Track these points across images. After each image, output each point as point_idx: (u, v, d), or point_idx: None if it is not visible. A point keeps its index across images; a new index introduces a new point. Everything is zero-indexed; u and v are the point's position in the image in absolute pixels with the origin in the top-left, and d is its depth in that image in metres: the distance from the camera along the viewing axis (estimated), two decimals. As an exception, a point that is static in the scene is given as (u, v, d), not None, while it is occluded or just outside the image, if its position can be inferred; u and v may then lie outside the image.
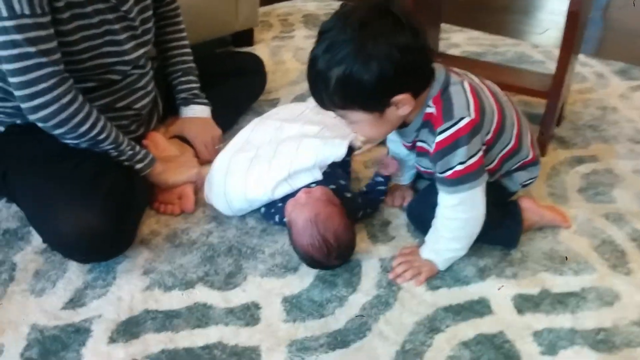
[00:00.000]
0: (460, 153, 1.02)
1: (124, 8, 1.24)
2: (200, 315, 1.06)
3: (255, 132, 1.40)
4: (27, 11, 1.04)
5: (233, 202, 1.27)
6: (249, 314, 1.07)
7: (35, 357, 0.98)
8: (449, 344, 1.01)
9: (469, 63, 1.81)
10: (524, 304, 1.09)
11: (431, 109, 1.04)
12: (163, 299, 1.10)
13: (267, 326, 1.05)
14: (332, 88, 0.97)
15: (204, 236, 1.26)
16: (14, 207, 1.30)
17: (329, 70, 0.96)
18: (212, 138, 1.49)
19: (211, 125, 1.51)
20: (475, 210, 1.09)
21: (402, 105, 1.00)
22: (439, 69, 1.05)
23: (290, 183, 1.24)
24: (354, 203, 1.27)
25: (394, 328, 1.04)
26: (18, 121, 1.22)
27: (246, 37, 2.24)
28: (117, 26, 1.24)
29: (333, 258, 1.14)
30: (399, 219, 1.32)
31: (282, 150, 1.29)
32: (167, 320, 1.05)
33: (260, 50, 2.18)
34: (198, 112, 1.51)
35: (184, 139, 1.48)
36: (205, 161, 1.45)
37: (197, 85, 1.53)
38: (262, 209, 1.29)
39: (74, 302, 1.09)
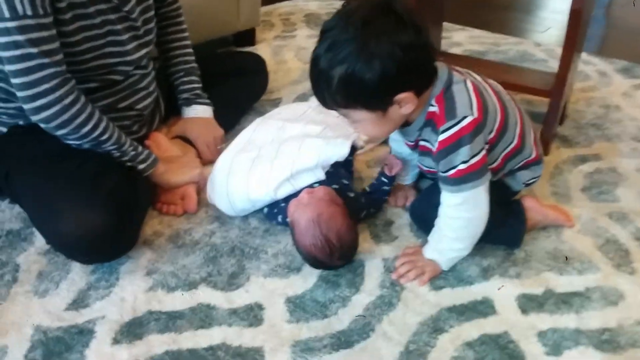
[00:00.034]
0: (463, 152, 1.02)
1: (126, 8, 1.24)
2: (203, 316, 1.06)
3: (257, 132, 1.40)
4: (29, 12, 1.04)
5: (236, 203, 1.27)
6: (252, 315, 1.07)
7: (38, 358, 0.98)
8: (453, 344, 1.01)
9: (471, 62, 1.80)
10: (528, 304, 1.09)
11: (434, 108, 1.04)
12: (166, 300, 1.10)
13: (270, 327, 1.04)
14: (334, 87, 0.96)
15: (206, 237, 1.26)
16: (17, 208, 1.30)
17: (332, 69, 0.95)
18: (214, 138, 1.49)
19: (213, 126, 1.51)
20: (478, 210, 1.09)
21: (405, 103, 1.00)
22: (441, 67, 1.05)
23: (292, 183, 1.24)
24: (357, 203, 1.26)
25: (397, 328, 1.04)
26: (20, 122, 1.22)
27: (248, 36, 2.23)
28: (119, 27, 1.24)
29: (336, 258, 1.14)
30: (401, 219, 1.31)
31: (284, 150, 1.29)
32: (170, 321, 1.05)
33: (262, 49, 2.18)
34: (200, 112, 1.51)
35: (186, 139, 1.48)
36: (208, 161, 1.45)
37: (199, 85, 1.53)
38: (265, 209, 1.29)
39: (77, 303, 1.09)
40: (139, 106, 1.35)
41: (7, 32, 1.04)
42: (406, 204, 1.34)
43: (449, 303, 1.09)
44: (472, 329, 1.04)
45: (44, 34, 1.07)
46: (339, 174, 1.29)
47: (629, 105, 1.83)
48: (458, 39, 2.33)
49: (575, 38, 1.40)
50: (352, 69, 0.94)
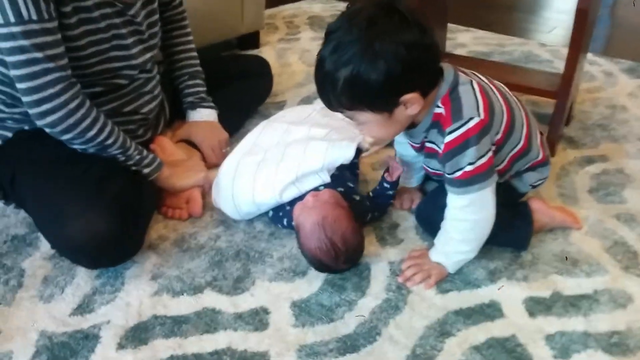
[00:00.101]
0: (470, 154, 1.01)
1: (131, 12, 1.24)
2: (208, 321, 1.06)
3: (262, 135, 1.39)
4: (34, 17, 1.04)
5: (241, 206, 1.27)
6: (257, 319, 1.06)
7: (44, 363, 0.98)
8: (460, 348, 1.00)
9: (475, 63, 1.80)
10: (536, 306, 1.08)
11: (440, 109, 1.03)
12: (171, 304, 1.09)
13: (276, 331, 1.04)
14: (339, 89, 0.96)
15: (212, 240, 1.25)
16: (22, 213, 1.30)
17: (337, 71, 0.95)
18: (219, 142, 1.49)
19: (218, 129, 1.51)
20: (485, 211, 1.08)
21: (411, 104, 0.99)
22: (447, 68, 1.04)
23: (298, 186, 1.24)
24: (362, 206, 1.26)
25: (404, 332, 1.03)
26: (26, 127, 1.22)
27: (252, 39, 2.23)
28: (124, 30, 1.24)
29: (341, 262, 1.13)
30: (407, 222, 1.31)
31: (289, 153, 1.29)
32: (175, 325, 1.05)
33: (266, 52, 2.18)
34: (205, 115, 1.51)
35: (191, 143, 1.48)
36: (213, 165, 1.44)
37: (204, 88, 1.53)
38: (270, 213, 1.29)
39: (83, 308, 1.09)
40: (144, 110, 1.35)
41: (12, 37, 1.04)
42: (412, 207, 1.34)
43: (455, 306, 1.08)
44: (479, 333, 1.03)
45: (49, 38, 1.07)
46: (345, 177, 1.29)
47: (635, 106, 1.82)
48: (462, 40, 2.33)
49: (581, 38, 1.39)
50: (357, 70, 0.94)
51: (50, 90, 1.09)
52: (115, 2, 1.20)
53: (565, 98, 1.48)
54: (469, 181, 1.04)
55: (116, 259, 1.16)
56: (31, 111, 1.11)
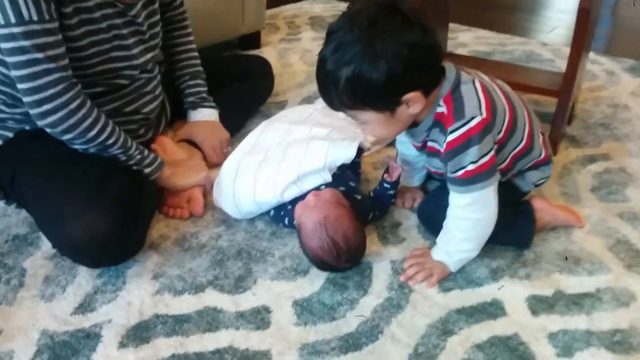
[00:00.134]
0: (472, 152, 1.01)
1: (132, 13, 1.24)
2: (210, 320, 1.06)
3: (263, 134, 1.39)
4: (35, 17, 1.04)
5: (242, 205, 1.26)
6: (259, 318, 1.06)
7: (45, 363, 0.98)
8: (463, 346, 1.00)
9: (477, 62, 1.80)
10: (538, 305, 1.08)
11: (442, 108, 1.03)
12: (173, 303, 1.09)
13: (277, 330, 1.04)
14: (341, 88, 0.96)
15: (213, 240, 1.25)
16: (24, 213, 1.30)
17: (338, 70, 0.95)
18: (220, 141, 1.48)
19: (219, 129, 1.51)
20: (487, 210, 1.08)
21: (413, 103, 0.99)
22: (449, 67, 1.04)
23: (299, 185, 1.23)
24: (364, 205, 1.25)
25: (406, 331, 1.03)
26: (27, 127, 1.22)
27: (253, 39, 2.23)
28: (125, 31, 1.24)
29: (343, 261, 1.13)
30: (409, 221, 1.31)
31: (291, 152, 1.29)
32: (177, 324, 1.05)
33: (267, 52, 2.18)
34: (206, 115, 1.50)
35: (192, 143, 1.47)
36: (214, 165, 1.44)
37: (205, 88, 1.53)
38: (271, 212, 1.28)
39: (84, 307, 1.08)
40: (145, 110, 1.35)
41: (13, 37, 1.04)
42: (414, 206, 1.34)
43: (458, 305, 1.08)
44: (482, 331, 1.03)
45: (50, 39, 1.07)
46: (346, 176, 1.29)
47: (638, 105, 1.82)
48: (464, 39, 2.33)
49: (583, 37, 1.39)
50: (359, 69, 0.93)
51: (51, 91, 1.09)
52: (117, 2, 1.20)
53: (568, 97, 1.48)
54: (471, 180, 1.04)
55: (117, 258, 1.15)
56: (32, 111, 1.11)
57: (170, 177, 1.31)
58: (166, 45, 1.48)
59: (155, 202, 1.31)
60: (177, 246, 1.24)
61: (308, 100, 1.82)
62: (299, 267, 1.18)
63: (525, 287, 1.12)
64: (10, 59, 1.06)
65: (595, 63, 2.09)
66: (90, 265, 1.16)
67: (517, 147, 1.12)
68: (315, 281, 1.14)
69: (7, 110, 1.21)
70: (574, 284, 1.13)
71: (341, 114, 1.07)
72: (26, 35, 1.04)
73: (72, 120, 1.12)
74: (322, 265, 1.14)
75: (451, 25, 2.07)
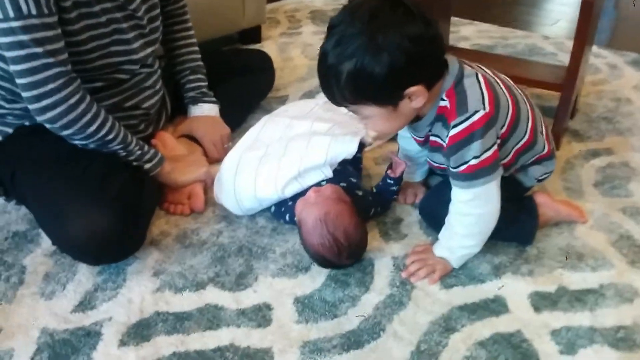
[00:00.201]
0: (475, 147, 1.00)
1: (132, 7, 1.23)
2: (211, 317, 1.05)
3: (264, 130, 1.38)
4: (33, 11, 1.03)
5: (243, 201, 1.26)
6: (260, 315, 1.05)
7: (45, 361, 0.98)
8: (465, 343, 0.99)
9: (479, 56, 1.78)
10: (541, 301, 1.07)
11: (445, 102, 1.02)
12: (174, 301, 1.09)
13: (279, 327, 1.03)
14: (343, 82, 0.95)
15: (214, 236, 1.25)
16: (23, 210, 1.29)
17: (340, 64, 0.94)
18: (221, 137, 1.48)
19: (220, 124, 1.50)
20: (489, 205, 1.07)
21: (416, 97, 0.98)
22: (452, 61, 1.03)
23: (300, 181, 1.23)
24: (365, 201, 1.25)
25: (408, 328, 1.02)
26: (26, 122, 1.22)
27: (253, 34, 2.22)
28: (124, 25, 1.23)
29: (344, 257, 1.13)
30: (411, 217, 1.30)
31: (292, 148, 1.28)
32: (178, 322, 1.04)
33: (268, 47, 2.17)
34: (206, 110, 1.50)
35: (192, 138, 1.47)
36: (214, 160, 1.44)
37: (205, 83, 1.52)
38: (272, 208, 1.28)
39: (84, 304, 1.08)
40: (145, 105, 1.34)
41: (11, 32, 1.03)
42: (415, 201, 1.33)
43: (460, 302, 1.07)
44: (484, 328, 1.02)
45: (49, 33, 1.06)
46: (347, 172, 1.28)
47: (641, 99, 1.80)
48: (466, 33, 2.31)
49: (586, 30, 1.37)
50: (361, 63, 0.93)
51: (51, 86, 1.08)
52: (116, -4, 1.19)
53: (571, 91, 1.47)
54: (473, 175, 1.03)
55: (118, 256, 1.15)
56: (31, 107, 1.10)
57: (170, 173, 1.30)
58: (166, 40, 1.47)
59: (155, 199, 1.30)
60: (178, 243, 1.23)
61: (309, 95, 1.81)
62: (300, 263, 1.17)
63: (528, 284, 1.11)
64: (9, 54, 1.05)
65: (598, 56, 2.07)
66: (91, 263, 1.15)
67: (520, 141, 1.11)
68: (316, 278, 1.13)
69: (7, 105, 1.21)
70: (577, 280, 1.12)
71: (343, 109, 1.06)
72: (25, 29, 1.03)
73: (71, 116, 1.11)
74: (323, 261, 1.13)
75: (453, 19, 2.06)
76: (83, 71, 1.17)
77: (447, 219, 1.12)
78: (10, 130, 1.23)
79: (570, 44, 1.43)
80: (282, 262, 1.18)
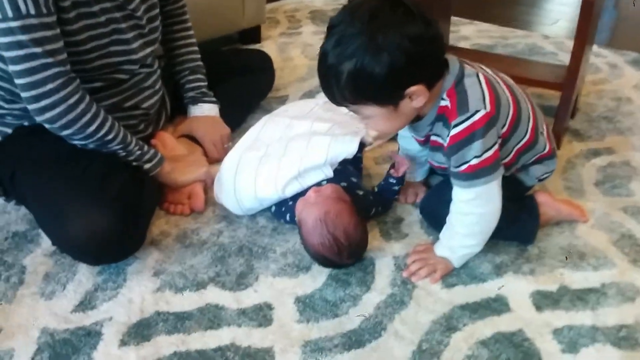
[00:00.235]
0: (476, 147, 1.00)
1: (131, 6, 1.23)
2: (212, 317, 1.05)
3: (264, 130, 1.38)
4: (32, 11, 1.03)
5: (243, 201, 1.25)
6: (261, 315, 1.05)
7: (46, 361, 0.97)
8: (467, 343, 0.99)
9: (479, 56, 1.78)
10: (543, 301, 1.07)
11: (445, 102, 1.02)
12: (174, 301, 1.08)
13: (280, 327, 1.03)
14: (343, 83, 0.95)
15: (214, 236, 1.24)
16: (23, 210, 1.29)
17: (340, 64, 0.94)
18: (221, 137, 1.47)
19: (220, 124, 1.49)
20: (490, 205, 1.07)
21: (417, 97, 0.98)
22: (452, 60, 1.03)
23: (300, 181, 1.22)
24: (366, 200, 1.24)
25: (409, 327, 1.02)
26: (25, 123, 1.21)
27: (253, 34, 2.22)
28: (124, 25, 1.22)
29: (345, 257, 1.12)
30: (412, 216, 1.29)
31: (292, 147, 1.28)
32: (178, 322, 1.04)
33: (267, 47, 2.16)
34: (206, 110, 1.49)
35: (192, 138, 1.46)
36: (214, 160, 1.43)
37: (205, 83, 1.51)
38: (273, 208, 1.27)
39: (84, 304, 1.08)
40: (145, 105, 1.34)
41: (10, 32, 1.03)
42: (416, 201, 1.33)
43: (461, 301, 1.07)
44: (486, 327, 1.02)
45: (48, 33, 1.06)
46: (348, 172, 1.28)
47: (641, 98, 1.80)
48: (466, 33, 2.31)
49: (587, 29, 1.37)
50: (361, 63, 0.92)
51: (50, 86, 1.08)
52: (115, -4, 1.19)
53: (571, 90, 1.47)
54: (474, 174, 1.03)
55: (118, 255, 1.15)
56: (30, 107, 1.10)
57: (170, 173, 1.30)
58: (166, 40, 1.47)
59: (155, 199, 1.30)
60: (178, 243, 1.23)
61: (309, 94, 1.81)
62: (301, 263, 1.17)
63: (530, 283, 1.11)
64: (7, 54, 1.05)
65: (598, 56, 2.07)
66: (91, 263, 1.15)
67: (521, 141, 1.11)
68: (317, 277, 1.13)
69: (6, 106, 1.20)
70: (579, 279, 1.12)
71: (343, 109, 1.06)
72: (24, 29, 1.03)
73: (70, 116, 1.11)
74: (323, 261, 1.13)
75: (453, 19, 2.05)
76: (82, 71, 1.17)
77: (448, 219, 1.12)
78: (9, 131, 1.23)
79: (570, 44, 1.43)
80: (283, 261, 1.17)
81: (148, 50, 1.31)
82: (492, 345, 0.98)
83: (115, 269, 1.15)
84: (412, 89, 0.96)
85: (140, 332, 1.02)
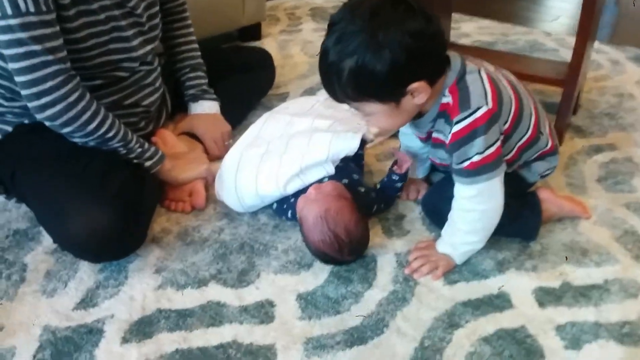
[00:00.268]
0: (478, 143, 1.00)
1: (131, 4, 1.22)
2: (213, 314, 1.04)
3: (265, 127, 1.38)
4: (32, 9, 1.03)
5: (244, 199, 1.25)
6: (263, 312, 1.05)
7: (47, 359, 0.97)
8: (469, 339, 0.99)
9: (480, 52, 1.77)
10: (545, 297, 1.07)
11: (447, 99, 1.02)
12: (176, 298, 1.08)
13: (282, 324, 1.03)
14: (345, 80, 0.94)
15: (215, 233, 1.24)
16: (24, 208, 1.29)
17: (341, 62, 0.93)
18: (222, 134, 1.47)
19: (220, 121, 1.49)
20: (493, 201, 1.06)
21: (418, 93, 0.98)
22: (454, 57, 1.02)
23: (302, 178, 1.22)
24: (368, 197, 1.24)
25: (412, 324, 1.02)
26: (26, 121, 1.21)
27: (253, 31, 2.21)
28: (123, 23, 1.22)
29: (346, 254, 1.12)
30: (413, 213, 1.29)
31: (293, 145, 1.27)
32: (180, 319, 1.04)
33: (268, 44, 2.16)
34: (207, 108, 1.49)
35: (193, 136, 1.46)
36: (215, 157, 1.43)
37: (206, 81, 1.51)
38: (274, 205, 1.27)
39: (86, 302, 1.07)
40: (145, 102, 1.34)
41: (10, 29, 1.03)
42: (418, 198, 1.32)
43: (464, 297, 1.07)
44: (488, 324, 1.02)
45: (48, 30, 1.06)
46: (349, 169, 1.27)
47: (643, 94, 1.80)
48: (466, 29, 2.30)
49: (589, 26, 1.37)
50: (362, 60, 0.92)
51: (50, 83, 1.07)
52: (115, -7, 1.19)
53: (573, 86, 1.46)
54: (477, 171, 1.02)
55: (119, 253, 1.15)
56: (30, 104, 1.10)
57: (171, 170, 1.30)
58: (166, 37, 1.46)
59: (156, 196, 1.29)
60: (179, 240, 1.22)
61: (309, 91, 1.80)
62: (303, 260, 1.16)
63: (532, 279, 1.10)
64: (7, 52, 1.05)
65: (600, 52, 2.06)
66: (92, 261, 1.15)
67: (523, 137, 1.11)
68: (319, 274, 1.13)
69: (6, 103, 1.20)
70: (581, 275, 1.11)
71: (344, 106, 1.05)
72: (23, 27, 1.03)
73: (71, 113, 1.11)
74: (325, 258, 1.13)
75: (454, 15, 2.05)
76: (82, 69, 1.16)
77: (450, 215, 1.11)
78: (9, 129, 1.22)
79: (571, 40, 1.43)
80: (285, 258, 1.17)
81: (148, 47, 1.30)
82: (494, 342, 0.98)
83: (117, 267, 1.15)
84: (414, 85, 0.96)
85: (142, 329, 1.02)
